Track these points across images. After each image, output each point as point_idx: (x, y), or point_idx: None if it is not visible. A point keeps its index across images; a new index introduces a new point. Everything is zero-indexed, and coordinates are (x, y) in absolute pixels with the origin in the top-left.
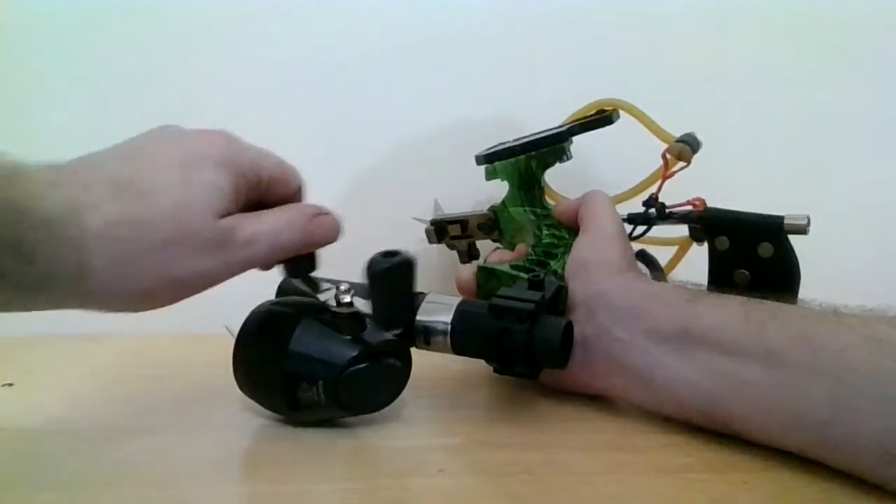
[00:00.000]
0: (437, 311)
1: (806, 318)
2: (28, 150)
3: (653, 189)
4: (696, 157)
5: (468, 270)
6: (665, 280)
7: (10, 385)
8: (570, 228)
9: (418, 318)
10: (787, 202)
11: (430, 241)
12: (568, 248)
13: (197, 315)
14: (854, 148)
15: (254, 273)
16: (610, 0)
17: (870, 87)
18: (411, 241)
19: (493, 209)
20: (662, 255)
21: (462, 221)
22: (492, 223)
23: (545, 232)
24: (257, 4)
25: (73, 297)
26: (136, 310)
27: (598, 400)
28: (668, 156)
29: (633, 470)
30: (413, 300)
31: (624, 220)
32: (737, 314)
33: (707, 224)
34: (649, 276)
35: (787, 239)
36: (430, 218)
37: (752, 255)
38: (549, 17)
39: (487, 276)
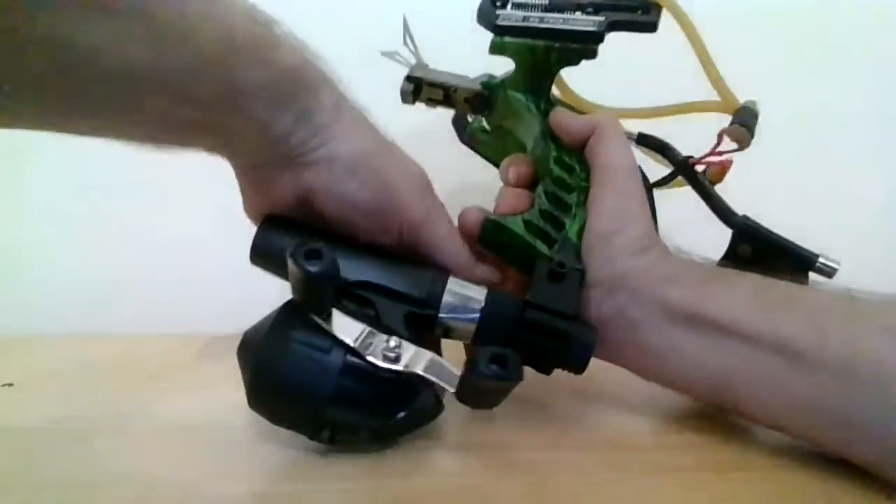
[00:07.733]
0: (463, 306)
1: (818, 305)
2: (27, 150)
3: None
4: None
5: (474, 214)
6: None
7: (10, 385)
8: (576, 154)
9: (441, 315)
10: (784, 201)
11: (405, 101)
12: (582, 193)
13: (197, 315)
14: (852, 147)
15: (257, 275)
16: None
17: (870, 87)
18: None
19: (486, 85)
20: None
21: (447, 89)
22: (482, 100)
23: (553, 155)
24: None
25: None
26: None
27: (597, 400)
28: (725, 136)
29: (633, 470)
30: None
31: (633, 139)
32: (749, 297)
33: (739, 230)
34: (668, 249)
35: (809, 275)
36: (401, 56)
37: (770, 271)
38: None
39: (496, 229)
